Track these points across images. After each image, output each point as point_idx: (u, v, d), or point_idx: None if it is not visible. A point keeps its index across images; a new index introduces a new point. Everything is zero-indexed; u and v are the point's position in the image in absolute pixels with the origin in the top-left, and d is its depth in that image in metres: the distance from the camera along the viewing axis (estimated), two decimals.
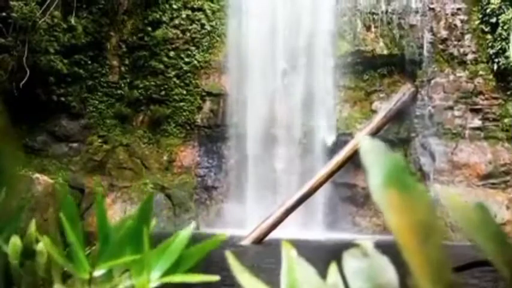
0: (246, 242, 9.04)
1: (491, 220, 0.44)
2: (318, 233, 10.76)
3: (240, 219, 11.40)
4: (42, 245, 0.78)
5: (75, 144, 12.61)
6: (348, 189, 12.48)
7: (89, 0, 12.43)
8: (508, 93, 11.47)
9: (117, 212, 11.33)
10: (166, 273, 0.62)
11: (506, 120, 11.40)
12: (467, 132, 11.49)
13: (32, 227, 0.83)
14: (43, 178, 9.83)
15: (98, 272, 0.65)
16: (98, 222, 0.65)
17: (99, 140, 12.67)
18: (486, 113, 11.49)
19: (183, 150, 12.92)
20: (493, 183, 10.98)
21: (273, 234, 9.48)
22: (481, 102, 11.55)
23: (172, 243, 0.65)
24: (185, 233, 0.66)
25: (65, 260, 0.66)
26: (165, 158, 12.81)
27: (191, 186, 12.50)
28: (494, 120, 11.47)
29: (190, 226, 0.69)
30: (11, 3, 10.58)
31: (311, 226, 11.30)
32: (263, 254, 8.01)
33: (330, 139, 12.05)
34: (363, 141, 0.44)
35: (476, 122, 11.49)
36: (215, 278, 0.59)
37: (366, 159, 0.43)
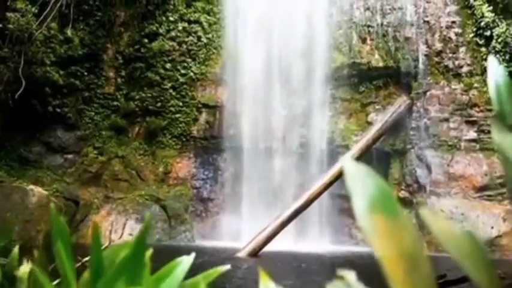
0: (241, 254, 8.97)
1: (480, 249, 0.42)
2: (314, 245, 10.71)
3: (236, 231, 11.33)
4: (23, 271, 0.72)
5: (70, 156, 12.54)
6: (344, 201, 12.45)
7: (86, 12, 12.47)
8: None
9: (112, 223, 11.23)
10: None
11: None
12: (462, 144, 11.53)
13: (16, 250, 0.77)
14: (37, 190, 9.77)
15: None
16: (92, 253, 0.61)
17: (95, 152, 12.62)
18: (481, 125, 11.54)
19: (179, 162, 12.88)
20: (489, 195, 10.98)
21: (269, 247, 9.41)
22: (476, 114, 11.61)
23: (171, 275, 0.60)
24: (185, 264, 0.61)
25: None
26: (160, 169, 12.76)
27: (187, 198, 12.44)
28: (489, 132, 11.48)
29: (190, 257, 0.64)
30: (8, 14, 10.60)
31: (307, 238, 11.24)
32: (257, 267, 7.94)
33: (326, 151, 12.06)
34: (347, 165, 0.43)
35: (472, 134, 11.53)
36: None
37: (350, 183, 0.42)
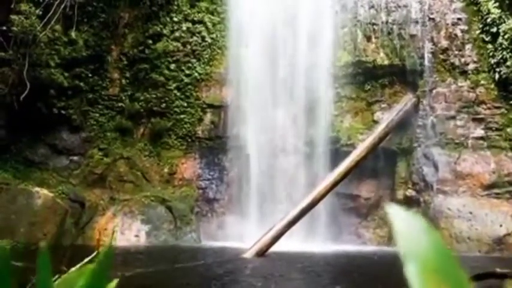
0: (248, 255, 8.91)
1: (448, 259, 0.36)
2: (321, 245, 10.64)
3: (242, 231, 11.29)
4: None
5: (75, 158, 12.54)
6: (350, 200, 12.38)
7: (90, 14, 12.47)
8: (511, 102, 11.42)
9: (118, 225, 11.21)
10: None
11: (509, 130, 11.34)
12: (470, 142, 11.42)
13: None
14: (43, 192, 9.77)
15: None
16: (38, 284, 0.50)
17: (100, 153, 12.61)
18: (489, 123, 11.43)
19: (184, 163, 12.85)
20: (497, 193, 10.87)
21: (276, 247, 9.36)
22: (483, 111, 11.50)
23: None
24: None
25: None
26: (166, 170, 12.74)
27: (192, 198, 12.40)
28: (497, 129, 11.40)
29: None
30: (12, 17, 10.60)
31: (314, 238, 11.18)
32: (265, 267, 7.89)
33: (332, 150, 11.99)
34: (395, 217, 0.36)
35: (479, 132, 11.42)
36: None
37: (401, 242, 0.34)
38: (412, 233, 0.34)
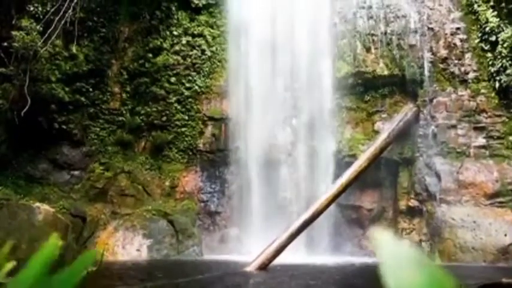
0: (250, 268, 8.83)
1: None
2: (324, 256, 10.55)
3: (245, 244, 11.21)
4: None
5: (76, 172, 12.51)
6: (353, 211, 12.31)
7: (90, 29, 12.54)
8: (511, 110, 11.41)
9: (120, 239, 11.15)
10: None
11: (510, 138, 11.31)
12: (472, 150, 11.38)
13: None
14: (44, 207, 9.72)
15: None
16: None
17: (101, 167, 12.58)
18: (490, 131, 11.40)
19: (186, 176, 12.81)
20: (500, 202, 10.80)
21: (279, 260, 9.27)
22: (484, 120, 11.48)
23: None
24: None
25: None
26: (167, 183, 12.70)
27: (194, 211, 12.34)
28: (498, 138, 11.37)
29: None
30: (13, 33, 10.66)
31: (317, 250, 11.09)
32: (267, 281, 7.81)
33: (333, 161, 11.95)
34: (382, 247, 0.32)
35: (481, 141, 11.39)
36: None
37: (390, 277, 0.30)
38: (401, 267, 0.30)
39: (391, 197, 12.18)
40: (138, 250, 10.92)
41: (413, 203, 11.57)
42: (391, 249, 0.31)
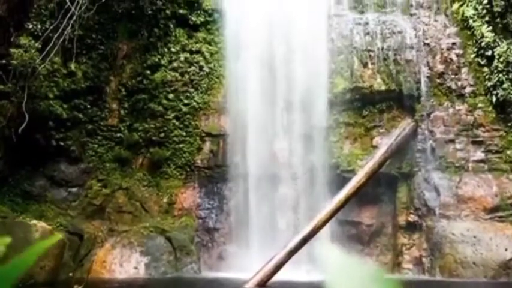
0: (249, 286, 8.72)
1: None
2: (323, 273, 10.42)
3: (243, 261, 11.09)
4: None
5: (74, 189, 12.44)
6: (352, 227, 12.22)
7: (89, 46, 12.61)
8: (509, 124, 11.43)
9: (117, 257, 11.03)
10: None
11: (509, 152, 11.30)
12: (470, 165, 11.36)
13: None
14: (40, 225, 9.64)
15: None
16: None
17: (99, 184, 12.52)
18: (488, 145, 11.40)
19: (184, 192, 12.75)
20: (500, 217, 10.75)
21: (277, 277, 9.17)
22: (482, 134, 11.49)
23: None
24: None
25: None
26: (165, 200, 12.62)
27: (192, 228, 12.24)
28: (497, 152, 11.37)
29: None
30: (11, 50, 10.71)
31: (316, 266, 10.97)
32: None
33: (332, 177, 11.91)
34: (331, 263, 0.29)
35: (479, 155, 11.38)
36: None
37: None
38: (351, 283, 0.27)
39: (390, 212, 12.12)
40: (135, 268, 10.80)
41: (412, 218, 11.51)
42: (340, 264, 0.30)
